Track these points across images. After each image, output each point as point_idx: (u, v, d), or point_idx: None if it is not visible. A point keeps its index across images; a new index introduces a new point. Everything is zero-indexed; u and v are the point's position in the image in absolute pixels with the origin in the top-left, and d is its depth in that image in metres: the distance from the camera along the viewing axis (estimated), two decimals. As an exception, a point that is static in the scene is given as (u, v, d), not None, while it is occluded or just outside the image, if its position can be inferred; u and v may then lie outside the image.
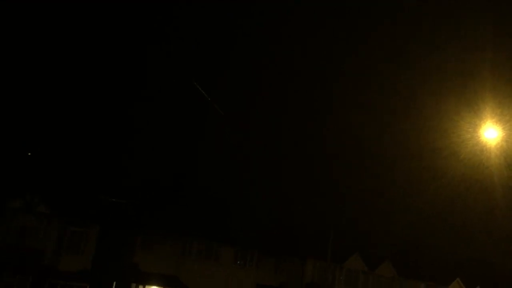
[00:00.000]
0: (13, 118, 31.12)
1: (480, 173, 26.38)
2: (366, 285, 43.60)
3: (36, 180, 30.80)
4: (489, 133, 18.47)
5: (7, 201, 29.30)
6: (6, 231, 28.63)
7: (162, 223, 34.79)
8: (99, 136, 35.95)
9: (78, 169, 34.74)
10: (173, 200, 37.37)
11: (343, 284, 42.14)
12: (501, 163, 21.45)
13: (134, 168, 37.90)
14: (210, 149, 41.28)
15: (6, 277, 27.71)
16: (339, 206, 41.77)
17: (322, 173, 45.40)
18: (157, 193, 38.03)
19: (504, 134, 18.00)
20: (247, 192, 41.27)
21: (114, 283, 32.77)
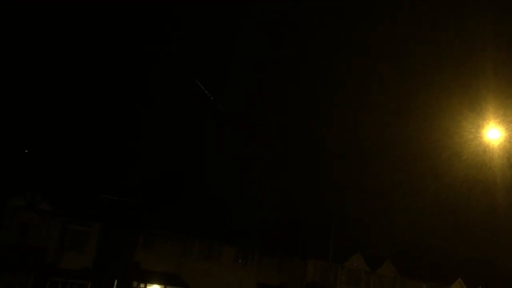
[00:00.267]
0: (16, 117, 31.17)
1: (482, 174, 26.34)
2: (367, 285, 43.55)
3: (39, 178, 30.84)
4: (492, 133, 18.44)
5: (9, 199, 29.33)
6: (8, 229, 28.66)
7: (164, 222, 34.80)
8: (101, 136, 36.01)
9: (81, 168, 34.81)
10: (174, 199, 37.39)
11: (344, 284, 42.10)
12: (503, 163, 21.41)
13: (136, 168, 37.97)
14: (212, 149, 41.32)
15: (8, 275, 27.74)
16: (340, 205, 41.77)
17: (323, 173, 45.40)
18: (158, 193, 38.07)
19: (507, 134, 17.97)
20: (249, 192, 41.30)
21: (116, 281, 32.81)
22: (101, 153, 36.43)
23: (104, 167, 36.42)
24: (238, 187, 41.04)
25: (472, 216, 42.58)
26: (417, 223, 44.02)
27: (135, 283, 32.73)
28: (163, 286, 33.56)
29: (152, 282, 33.20)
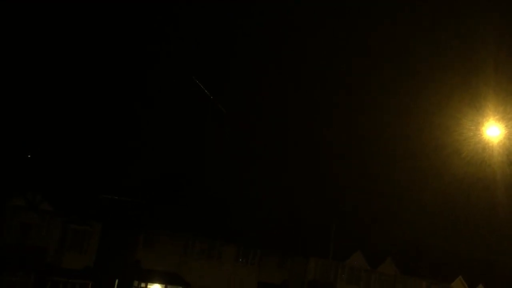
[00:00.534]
0: (16, 118, 31.20)
1: (482, 171, 26.36)
2: (368, 283, 43.60)
3: (39, 178, 30.87)
4: (491, 131, 18.46)
5: (10, 199, 29.35)
6: (9, 229, 28.68)
7: (164, 221, 34.83)
8: (101, 136, 36.02)
9: (81, 168, 34.82)
10: (174, 199, 37.41)
11: (345, 282, 42.15)
12: (503, 161, 21.42)
13: (136, 168, 37.99)
14: (212, 148, 41.35)
15: (9, 275, 27.77)
16: (340, 204, 41.82)
17: (323, 172, 45.45)
18: (158, 192, 38.09)
19: (506, 132, 17.99)
20: (249, 191, 41.32)
21: (117, 280, 32.85)
22: (101, 153, 36.44)
23: (104, 167, 36.44)
24: (238, 187, 41.07)
25: (472, 213, 42.61)
26: (417, 221, 44.06)
27: (136, 283, 32.76)
28: (164, 286, 33.60)
29: (153, 282, 33.24)
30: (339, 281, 41.67)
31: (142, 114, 38.72)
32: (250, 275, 37.98)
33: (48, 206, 30.23)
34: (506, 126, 17.91)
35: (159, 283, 33.47)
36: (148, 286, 33.06)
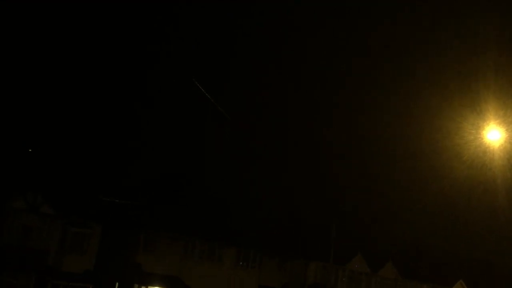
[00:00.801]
0: (16, 119, 31.20)
1: (483, 175, 26.34)
2: (368, 287, 43.51)
3: (40, 180, 30.87)
4: (492, 134, 18.46)
5: (10, 201, 29.36)
6: (9, 231, 28.67)
7: (164, 224, 34.80)
8: (101, 137, 36.01)
9: (81, 170, 34.81)
10: (174, 200, 37.39)
11: (346, 285, 42.06)
12: (504, 164, 21.41)
13: (136, 168, 37.96)
14: (212, 149, 41.31)
15: (9, 277, 27.75)
16: (340, 206, 41.77)
17: (323, 173, 45.41)
18: (159, 193, 38.06)
19: (507, 135, 17.98)
20: (250, 193, 41.27)
21: (117, 283, 32.80)
22: (101, 155, 36.44)
23: (104, 169, 36.43)
24: (238, 187, 41.04)
25: (473, 217, 42.54)
26: (418, 224, 44.01)
27: (136, 286, 32.72)
28: (164, 288, 33.58)
29: (154, 285, 33.19)
30: (340, 285, 41.59)
31: (142, 114, 38.69)
32: (251, 278, 37.92)
33: (48, 208, 30.24)
34: (506, 129, 17.92)
35: (159, 286, 33.41)
36: (148, 289, 33.05)
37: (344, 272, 42.14)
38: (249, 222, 38.38)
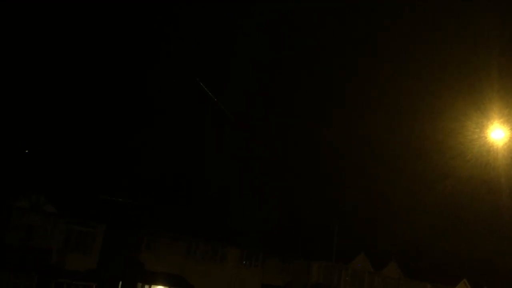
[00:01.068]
0: (19, 120, 31.25)
1: (487, 174, 26.29)
2: (371, 286, 43.46)
3: (43, 180, 30.93)
4: (496, 133, 18.42)
5: (13, 201, 29.40)
6: (12, 230, 28.72)
7: (167, 223, 34.85)
8: (103, 136, 36.06)
9: (84, 169, 34.87)
10: (176, 199, 37.44)
11: (349, 284, 42.03)
12: (508, 163, 21.36)
13: (137, 168, 38.02)
14: (215, 149, 41.32)
15: (12, 276, 27.79)
16: (342, 206, 41.75)
17: (325, 173, 45.39)
18: (161, 193, 38.12)
19: (511, 134, 17.92)
20: (253, 193, 41.30)
21: (120, 282, 32.85)
22: (104, 154, 36.51)
23: (107, 169, 36.50)
24: (242, 188, 41.08)
25: (477, 216, 42.46)
26: (421, 224, 43.95)
27: (139, 285, 32.76)
28: (167, 287, 33.59)
29: (157, 283, 33.23)
30: (343, 284, 41.56)
31: (142, 114, 38.74)
32: (254, 277, 37.93)
33: (51, 207, 30.28)
34: (510, 128, 17.86)
35: (162, 285, 33.44)
36: (152, 288, 33.09)
37: (347, 271, 42.12)
38: (252, 222, 38.42)
